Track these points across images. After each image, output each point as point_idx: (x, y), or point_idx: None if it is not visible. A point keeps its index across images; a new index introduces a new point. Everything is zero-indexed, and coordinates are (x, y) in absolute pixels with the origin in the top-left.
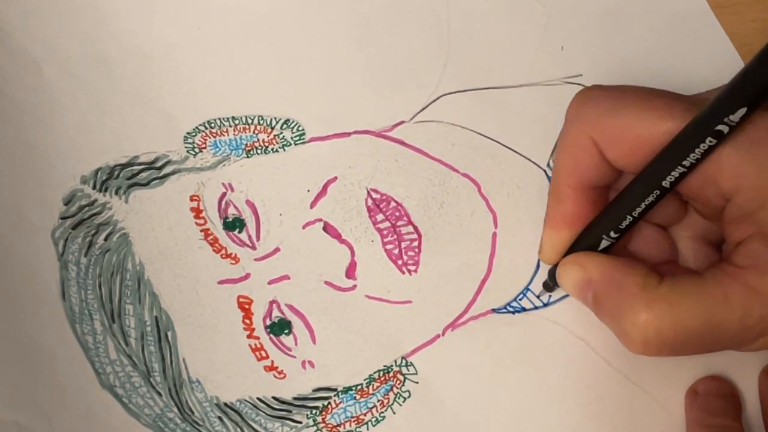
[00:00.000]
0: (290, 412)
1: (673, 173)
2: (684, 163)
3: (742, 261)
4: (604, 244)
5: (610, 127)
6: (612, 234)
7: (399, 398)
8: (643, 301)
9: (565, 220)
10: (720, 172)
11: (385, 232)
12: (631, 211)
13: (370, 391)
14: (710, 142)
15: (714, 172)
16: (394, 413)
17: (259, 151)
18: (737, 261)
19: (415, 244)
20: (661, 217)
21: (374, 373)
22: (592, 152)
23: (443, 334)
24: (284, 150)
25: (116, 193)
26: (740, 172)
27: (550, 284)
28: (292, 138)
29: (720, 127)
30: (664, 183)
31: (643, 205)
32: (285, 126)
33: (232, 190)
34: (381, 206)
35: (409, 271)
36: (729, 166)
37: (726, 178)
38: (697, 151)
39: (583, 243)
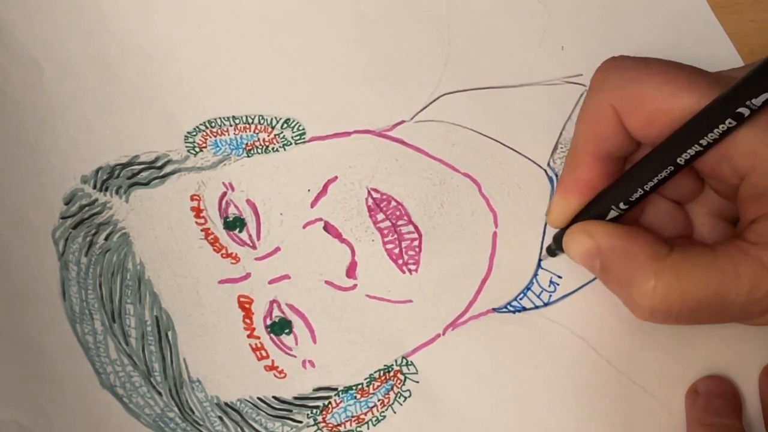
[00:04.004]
0: (291, 411)
1: (689, 151)
2: (701, 142)
3: (755, 238)
4: (612, 214)
5: (630, 96)
6: (621, 205)
7: (399, 398)
8: (652, 269)
9: (578, 187)
10: (736, 151)
11: (385, 231)
12: (643, 185)
13: (371, 391)
14: (729, 123)
15: (730, 150)
16: (395, 413)
17: (259, 151)
18: (750, 237)
19: (416, 243)
20: (678, 192)
21: (375, 372)
22: (611, 120)
23: (444, 334)
24: (285, 149)
25: (117, 192)
26: (756, 152)
27: (554, 249)
28: (292, 137)
29: (741, 109)
30: (678, 160)
31: (655, 180)
32: (285, 125)
33: (233, 189)
34: (381, 206)
35: (410, 271)
36: (745, 145)
37: (741, 157)
38: (715, 131)
39: (591, 211)
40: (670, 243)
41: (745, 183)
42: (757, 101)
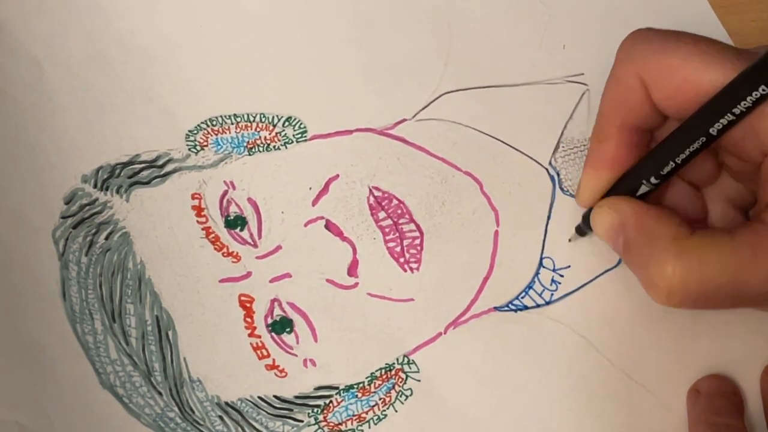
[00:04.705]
0: (291, 410)
1: (721, 120)
2: (734, 110)
3: None
4: (642, 189)
5: (658, 67)
6: (652, 180)
7: (401, 396)
8: (672, 252)
9: (606, 161)
10: (762, 125)
11: (387, 229)
12: (675, 157)
13: (372, 390)
14: (763, 90)
15: (756, 124)
16: (396, 411)
17: (261, 149)
18: (767, 220)
19: (417, 242)
20: (695, 175)
21: (376, 371)
22: (638, 91)
23: (445, 332)
24: (286, 148)
25: (117, 191)
26: None
27: (584, 228)
28: (294, 136)
29: None
30: (711, 130)
31: (687, 152)
32: (287, 124)
33: (234, 188)
34: (383, 204)
35: (411, 269)
36: None
37: (767, 132)
38: (748, 99)
39: (621, 187)
40: (691, 226)
41: None
42: None
